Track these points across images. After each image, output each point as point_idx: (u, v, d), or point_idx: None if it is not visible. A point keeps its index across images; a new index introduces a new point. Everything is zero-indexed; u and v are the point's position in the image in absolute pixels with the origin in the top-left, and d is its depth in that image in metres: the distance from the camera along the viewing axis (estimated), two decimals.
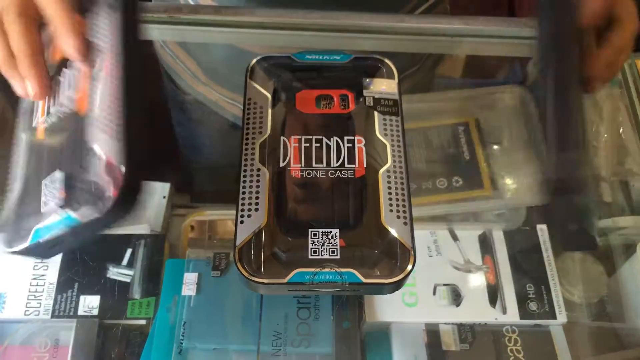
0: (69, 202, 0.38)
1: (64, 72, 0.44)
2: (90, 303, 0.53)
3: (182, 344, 0.50)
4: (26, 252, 0.41)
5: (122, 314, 0.53)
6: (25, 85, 0.42)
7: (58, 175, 0.40)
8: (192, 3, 0.61)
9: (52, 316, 0.52)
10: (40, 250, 0.41)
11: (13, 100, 0.47)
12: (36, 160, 0.43)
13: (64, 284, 0.53)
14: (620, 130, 0.64)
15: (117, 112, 0.38)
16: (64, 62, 0.44)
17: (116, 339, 0.52)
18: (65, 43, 0.41)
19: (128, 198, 0.37)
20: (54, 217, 0.39)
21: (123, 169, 0.37)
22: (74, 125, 0.41)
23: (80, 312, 0.52)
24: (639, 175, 0.63)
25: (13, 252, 0.41)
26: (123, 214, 0.38)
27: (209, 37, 0.57)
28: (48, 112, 0.44)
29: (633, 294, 0.57)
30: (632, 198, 0.63)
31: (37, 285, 0.53)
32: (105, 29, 0.41)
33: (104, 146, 0.38)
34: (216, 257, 0.55)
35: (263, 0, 0.59)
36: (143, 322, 0.53)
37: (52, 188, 0.40)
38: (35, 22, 0.42)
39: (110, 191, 0.37)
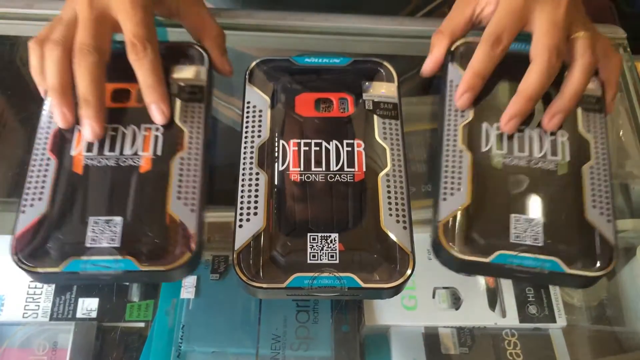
0: (132, 250, 0.41)
1: (129, 127, 0.46)
2: (88, 305, 0.52)
3: (180, 347, 0.50)
4: (53, 277, 0.42)
5: (121, 317, 0.52)
6: (86, 127, 0.44)
7: (117, 220, 0.42)
8: None
9: (51, 319, 0.52)
10: (70, 279, 0.43)
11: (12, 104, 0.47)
12: (72, 191, 0.44)
13: (62, 287, 0.53)
14: (620, 133, 0.64)
15: (197, 188, 0.44)
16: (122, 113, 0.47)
17: (115, 341, 0.52)
18: (157, 108, 0.45)
19: (195, 260, 0.42)
20: (106, 257, 0.41)
21: (195, 236, 0.42)
22: (136, 180, 0.44)
23: (78, 314, 0.52)
24: (638, 178, 0.63)
25: (31, 272, 0.41)
26: (186, 273, 0.43)
27: None
28: (101, 152, 0.45)
29: (633, 297, 0.57)
30: (632, 201, 0.63)
31: (35, 287, 0.53)
32: (189, 116, 0.47)
33: (182, 214, 0.43)
34: (215, 260, 0.55)
35: (261, 2, 0.59)
36: (142, 325, 0.53)
37: (106, 229, 0.42)
38: (105, 67, 0.45)
39: (179, 252, 0.42)
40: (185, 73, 0.49)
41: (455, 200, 0.44)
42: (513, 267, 0.41)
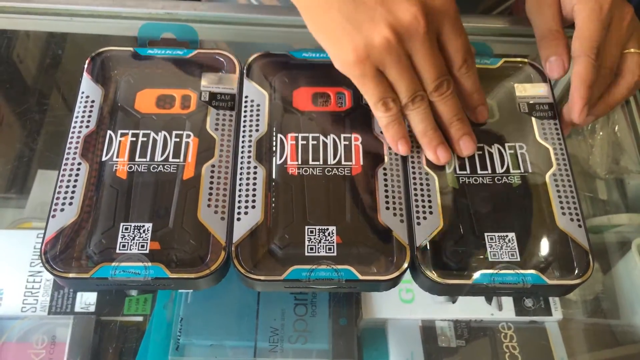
0: (162, 257, 0.41)
1: (160, 133, 0.46)
2: (87, 299, 0.53)
3: (179, 340, 0.50)
4: (82, 283, 0.42)
5: (119, 311, 0.53)
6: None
7: (147, 225, 0.42)
8: None
9: (49, 313, 0.52)
10: (99, 285, 0.42)
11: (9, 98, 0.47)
12: (103, 197, 0.44)
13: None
14: (616, 128, 0.64)
15: (227, 196, 0.44)
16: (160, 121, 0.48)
17: (113, 335, 0.52)
18: None
19: (224, 268, 0.42)
20: (135, 263, 0.41)
21: (225, 244, 0.42)
22: (166, 187, 0.44)
23: (77, 308, 0.52)
24: (634, 173, 0.63)
25: (60, 277, 0.41)
26: (215, 281, 0.42)
27: (205, 34, 0.57)
28: (132, 158, 0.45)
29: (628, 291, 0.57)
30: (627, 196, 0.63)
31: (34, 281, 0.53)
32: (219, 124, 0.47)
33: (211, 222, 0.43)
34: None
35: None
36: (140, 318, 0.53)
37: (137, 236, 0.42)
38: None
39: (209, 260, 0.41)
40: (216, 81, 0.49)
41: (428, 225, 0.43)
42: (495, 285, 0.41)
